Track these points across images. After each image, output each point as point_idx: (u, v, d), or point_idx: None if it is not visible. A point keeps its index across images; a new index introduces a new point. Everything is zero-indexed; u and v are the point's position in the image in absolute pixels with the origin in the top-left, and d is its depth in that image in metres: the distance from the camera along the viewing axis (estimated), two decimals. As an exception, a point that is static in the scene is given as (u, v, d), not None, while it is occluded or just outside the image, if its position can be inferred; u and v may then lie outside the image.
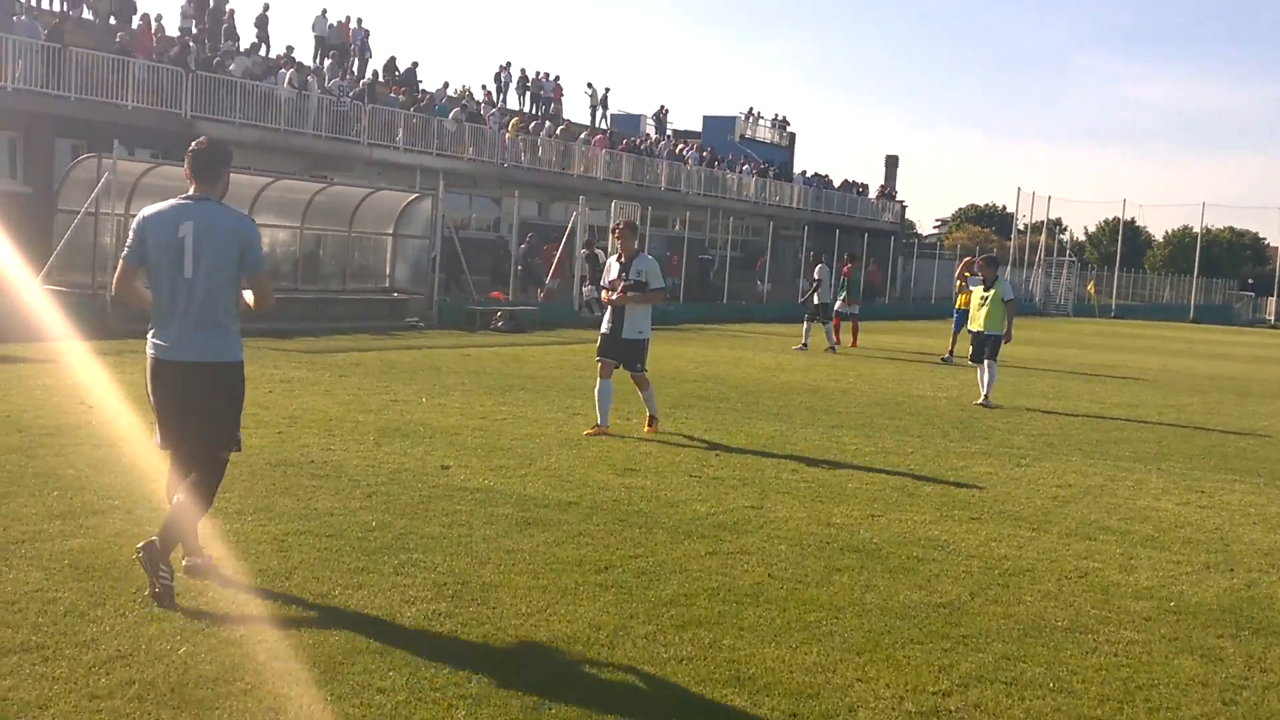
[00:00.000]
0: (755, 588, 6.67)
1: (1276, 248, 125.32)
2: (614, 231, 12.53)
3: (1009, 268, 69.76)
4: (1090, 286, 71.74)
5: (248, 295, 6.09)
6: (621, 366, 12.24)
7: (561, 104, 52.46)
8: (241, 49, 35.08)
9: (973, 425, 14.58)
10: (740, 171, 56.17)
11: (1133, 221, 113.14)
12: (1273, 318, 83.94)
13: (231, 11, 36.14)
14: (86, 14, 33.49)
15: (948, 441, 13.10)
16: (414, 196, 26.92)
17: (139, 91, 29.16)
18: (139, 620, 5.50)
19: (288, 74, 33.90)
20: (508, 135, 41.80)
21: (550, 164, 44.11)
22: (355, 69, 40.83)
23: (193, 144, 6.09)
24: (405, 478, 9.12)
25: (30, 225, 22.40)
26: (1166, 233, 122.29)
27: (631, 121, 59.95)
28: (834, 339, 26.05)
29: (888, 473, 10.83)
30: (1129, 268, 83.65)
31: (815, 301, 26.03)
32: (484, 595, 6.19)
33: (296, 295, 23.60)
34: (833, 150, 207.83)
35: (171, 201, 5.89)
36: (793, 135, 70.98)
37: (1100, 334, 44.91)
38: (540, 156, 43.63)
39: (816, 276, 26.23)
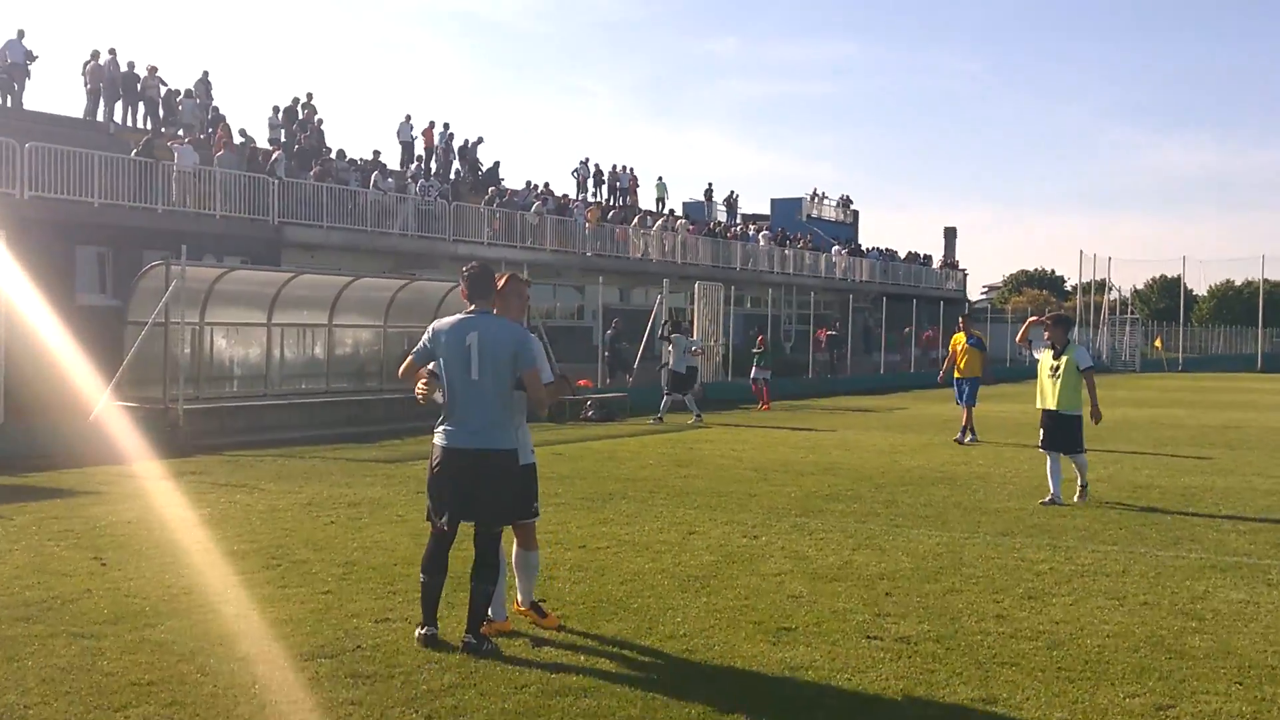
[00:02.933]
0: None
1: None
2: (463, 278, 6.48)
3: (1077, 331, 65.59)
4: (1158, 342, 67.13)
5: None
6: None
7: (637, 195, 49.87)
8: (332, 156, 32.80)
9: (1160, 521, 11.06)
10: (832, 253, 53.32)
11: (1178, 278, 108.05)
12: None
13: (320, 120, 33.91)
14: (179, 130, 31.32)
15: (1153, 548, 9.62)
16: (498, 288, 24.07)
17: (226, 200, 26.78)
18: None
19: (373, 176, 31.48)
20: (589, 224, 39.04)
21: (630, 251, 41.31)
22: (439, 170, 38.44)
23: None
24: (484, 672, 5.92)
25: (114, 339, 19.79)
26: (1210, 287, 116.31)
27: (700, 208, 57.11)
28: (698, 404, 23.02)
29: (1117, 608, 7.43)
30: (1177, 322, 78.78)
31: (669, 368, 23.14)
32: None
33: (382, 396, 20.71)
34: (893, 225, 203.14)
35: (458, 316, 6.39)
36: (856, 213, 67.76)
37: (1188, 389, 40.74)
38: (621, 244, 40.84)
39: (669, 344, 23.33)
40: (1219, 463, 16.40)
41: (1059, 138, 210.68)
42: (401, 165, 37.03)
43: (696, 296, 30.21)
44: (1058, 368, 12.29)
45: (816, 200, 64.12)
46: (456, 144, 40.18)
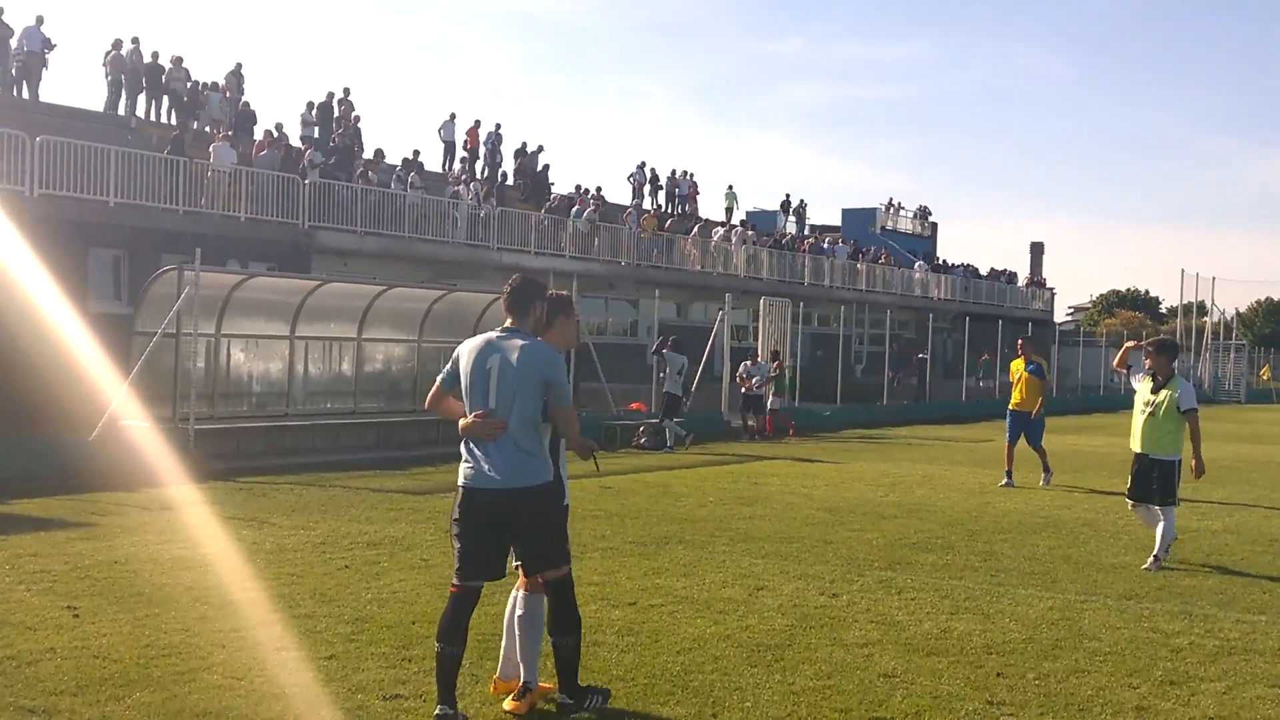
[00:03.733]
0: None
1: None
2: (505, 290, 6.05)
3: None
4: (1265, 370, 65.11)
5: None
6: (519, 568, 6.05)
7: (697, 202, 49.07)
8: (369, 156, 32.44)
9: (1316, 585, 10.04)
10: (915, 269, 52.32)
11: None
12: None
13: (357, 118, 33.56)
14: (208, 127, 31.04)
15: (1312, 622, 8.64)
16: (544, 301, 23.35)
17: (253, 202, 26.41)
18: None
19: (409, 178, 31.02)
20: (644, 233, 38.37)
21: (689, 263, 40.60)
22: (484, 173, 37.98)
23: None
24: (510, 769, 5.13)
25: (126, 350, 19.34)
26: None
27: (768, 218, 56.25)
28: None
29: (1288, 706, 6.49)
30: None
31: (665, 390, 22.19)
32: None
33: (415, 418, 20.06)
34: (974, 239, 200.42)
35: (488, 335, 5.97)
36: (934, 225, 66.56)
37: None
38: (678, 255, 40.15)
39: (666, 361, 22.27)
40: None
41: (1154, 147, 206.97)
42: (443, 167, 36.61)
43: (761, 313, 29.38)
44: (1155, 404, 10.80)
45: (892, 211, 63.09)
46: (509, 148, 39.80)
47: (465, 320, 20.93)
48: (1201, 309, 70.22)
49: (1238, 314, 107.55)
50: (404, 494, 14.31)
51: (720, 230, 44.30)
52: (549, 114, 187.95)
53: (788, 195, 56.30)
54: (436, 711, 5.67)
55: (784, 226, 53.00)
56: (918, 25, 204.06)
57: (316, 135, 31.87)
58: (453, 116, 37.34)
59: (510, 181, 39.40)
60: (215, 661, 6.66)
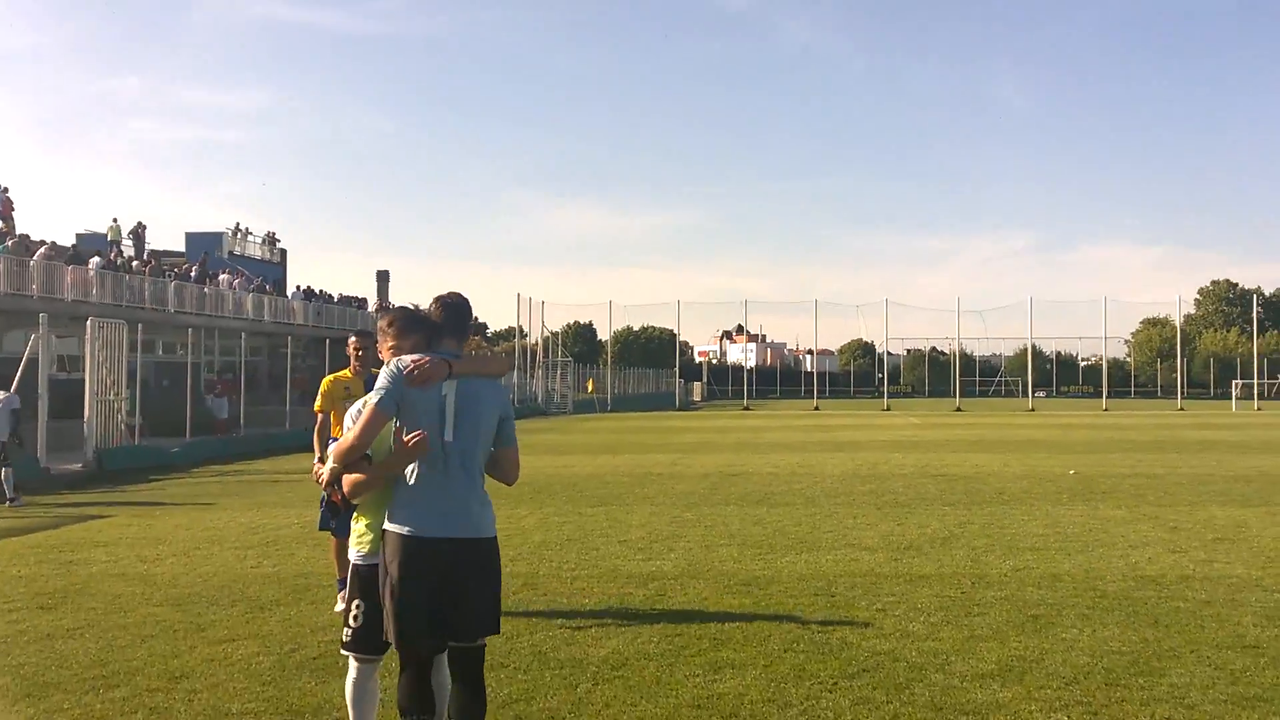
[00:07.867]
0: None
1: (687, 341, 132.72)
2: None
3: (516, 375, 63.68)
4: (590, 384, 67.43)
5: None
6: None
7: (13, 219, 39.56)
8: None
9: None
10: (233, 288, 45.79)
11: (590, 324, 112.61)
12: (700, 399, 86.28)
13: None
14: None
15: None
16: None
17: None
18: None
19: None
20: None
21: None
22: None
23: (441, 300, 4.74)
24: None
25: None
26: (614, 332, 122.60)
27: (99, 240, 47.37)
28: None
29: None
30: (593, 364, 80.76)
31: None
32: None
33: None
34: (325, 267, 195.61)
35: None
36: (284, 251, 60.94)
37: (645, 430, 39.23)
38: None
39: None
40: (782, 527, 12.96)
41: (474, 195, 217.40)
42: None
43: (89, 337, 22.65)
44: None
45: (239, 236, 56.52)
46: None
47: None
48: (529, 331, 71.42)
49: (555, 335, 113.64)
50: None
51: (42, 249, 35.72)
52: None
53: (140, 223, 48.00)
54: None
55: (111, 248, 44.80)
56: (257, 75, 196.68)
57: None
58: None
59: None
60: None
